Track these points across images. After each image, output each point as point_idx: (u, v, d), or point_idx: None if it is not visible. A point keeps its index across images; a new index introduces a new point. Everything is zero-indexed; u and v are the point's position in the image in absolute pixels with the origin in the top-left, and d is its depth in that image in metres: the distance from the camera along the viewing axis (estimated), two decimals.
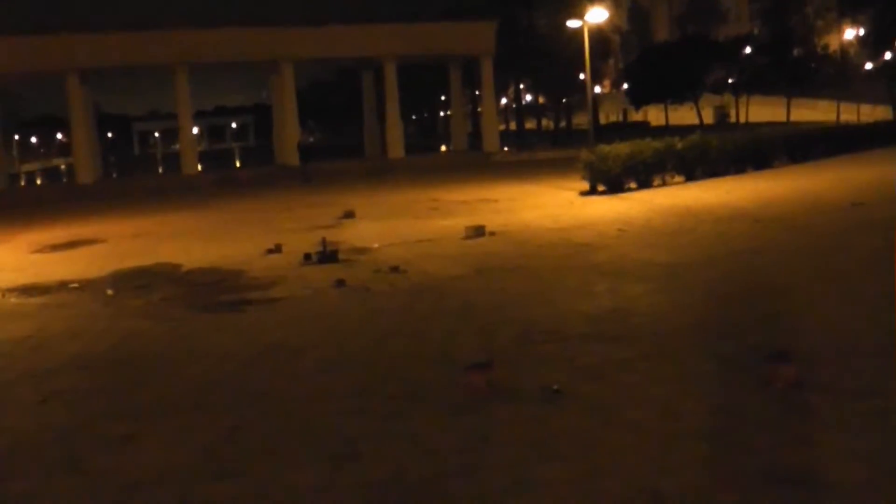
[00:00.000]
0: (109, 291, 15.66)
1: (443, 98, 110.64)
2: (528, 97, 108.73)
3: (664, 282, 12.71)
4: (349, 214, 24.59)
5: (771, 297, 11.39)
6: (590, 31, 36.66)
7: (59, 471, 6.82)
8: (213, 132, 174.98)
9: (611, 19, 53.61)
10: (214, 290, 14.86)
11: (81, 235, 24.86)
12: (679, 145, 29.17)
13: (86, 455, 7.09)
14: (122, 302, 14.40)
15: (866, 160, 32.49)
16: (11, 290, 16.32)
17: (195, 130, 61.13)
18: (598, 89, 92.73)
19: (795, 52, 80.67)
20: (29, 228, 27.95)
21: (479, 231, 19.19)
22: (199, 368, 9.63)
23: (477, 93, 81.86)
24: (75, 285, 16.41)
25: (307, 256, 17.24)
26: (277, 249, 18.79)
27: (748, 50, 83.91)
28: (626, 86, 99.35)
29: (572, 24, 41.87)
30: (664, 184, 28.24)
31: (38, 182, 75.38)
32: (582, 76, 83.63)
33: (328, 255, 17.10)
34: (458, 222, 21.03)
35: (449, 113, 78.96)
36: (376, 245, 18.63)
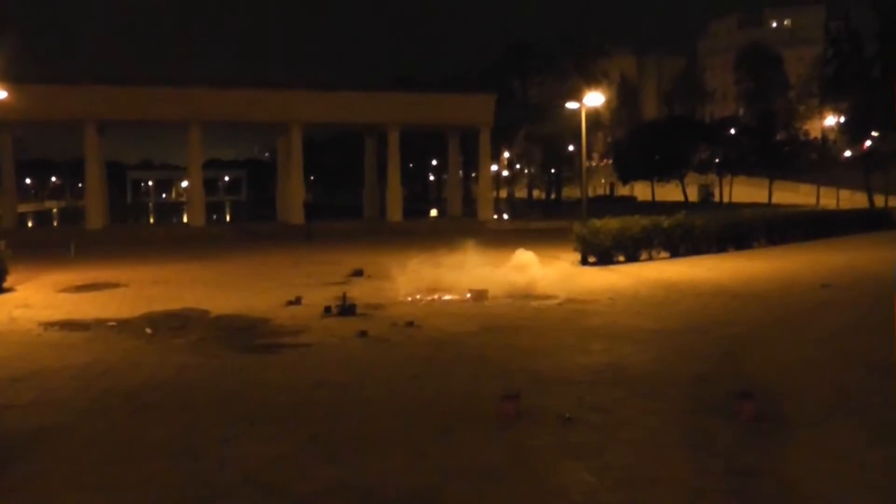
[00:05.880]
0: (148, 330, 16.81)
1: (434, 163, 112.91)
2: (517, 166, 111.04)
3: (652, 343, 14.56)
4: (358, 273, 26.19)
5: (743, 358, 13.40)
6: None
7: (185, 458, 8.58)
8: (205, 185, 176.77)
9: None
10: (247, 335, 16.24)
11: (101, 279, 26.10)
12: (665, 223, 31.03)
13: (201, 449, 8.87)
14: (163, 340, 15.70)
15: (839, 245, 34.60)
16: (52, 325, 17.47)
17: (184, 183, 62.63)
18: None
19: (778, 135, 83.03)
20: (47, 269, 28.88)
21: (482, 294, 20.83)
22: (262, 395, 11.26)
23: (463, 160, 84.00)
24: (112, 323, 17.62)
25: (327, 309, 18.63)
26: (297, 301, 20.19)
27: (733, 131, 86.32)
28: (612, 161, 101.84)
29: (570, 105, 44.01)
30: (651, 258, 30.06)
31: (31, 224, 76.56)
32: (571, 147, 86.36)
33: (347, 309, 18.52)
34: (462, 285, 22.63)
35: (443, 178, 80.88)
36: (388, 302, 20.10)
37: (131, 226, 66.24)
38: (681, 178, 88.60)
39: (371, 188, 62.82)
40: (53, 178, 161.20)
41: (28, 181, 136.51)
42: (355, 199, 69.90)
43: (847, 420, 9.52)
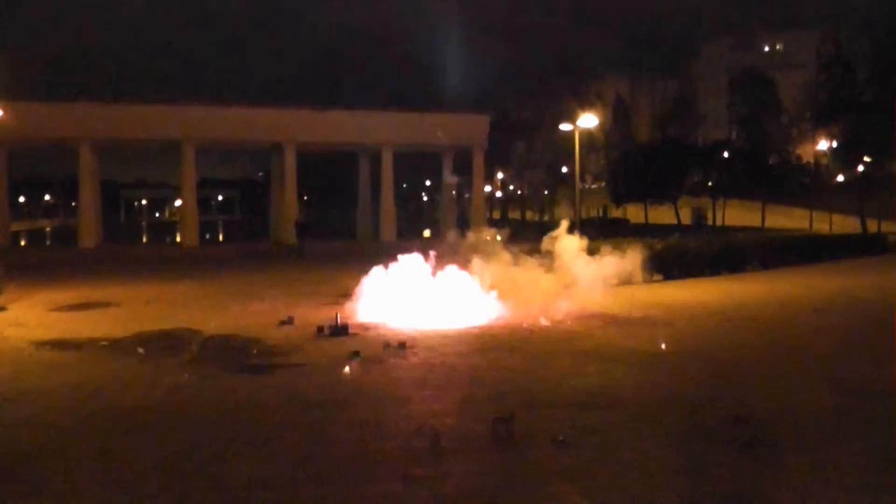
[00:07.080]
0: (140, 350, 16.75)
1: (428, 183, 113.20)
2: (511, 187, 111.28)
3: (645, 366, 14.54)
4: (350, 293, 26.09)
5: (737, 381, 13.39)
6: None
7: (176, 478, 8.57)
8: (198, 204, 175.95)
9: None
10: (240, 354, 16.18)
11: (94, 298, 25.97)
12: (658, 247, 31.05)
13: (192, 469, 8.85)
14: (155, 360, 15.64)
15: (832, 270, 34.47)
16: (43, 345, 17.42)
17: (177, 202, 62.65)
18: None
19: (771, 159, 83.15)
20: (40, 288, 28.88)
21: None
22: (254, 415, 11.24)
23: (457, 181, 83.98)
24: (105, 343, 17.56)
25: (320, 329, 18.56)
26: (290, 321, 20.12)
27: (726, 154, 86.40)
28: (605, 183, 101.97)
29: (564, 127, 44.06)
30: (643, 281, 30.04)
31: (23, 243, 76.54)
32: (565, 169, 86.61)
33: (340, 329, 18.46)
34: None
35: (436, 198, 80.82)
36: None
37: (125, 245, 66.07)
38: (674, 201, 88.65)
39: (365, 208, 62.75)
40: (47, 196, 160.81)
41: (22, 199, 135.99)
42: (349, 218, 69.77)
43: (842, 444, 9.50)
